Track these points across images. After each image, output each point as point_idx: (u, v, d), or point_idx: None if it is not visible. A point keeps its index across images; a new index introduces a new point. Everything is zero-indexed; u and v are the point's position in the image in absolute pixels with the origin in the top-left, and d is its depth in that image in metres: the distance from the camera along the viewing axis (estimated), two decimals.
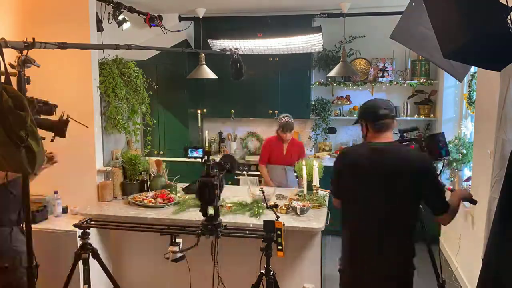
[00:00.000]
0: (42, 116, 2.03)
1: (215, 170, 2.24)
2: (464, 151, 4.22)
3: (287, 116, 4.45)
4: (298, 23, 5.14)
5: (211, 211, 2.23)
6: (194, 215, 3.12)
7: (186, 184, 4.01)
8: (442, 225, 2.44)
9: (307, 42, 4.80)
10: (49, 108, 2.01)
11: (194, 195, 3.52)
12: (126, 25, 4.62)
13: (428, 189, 2.10)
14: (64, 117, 2.07)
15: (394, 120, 2.23)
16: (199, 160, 2.31)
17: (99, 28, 3.87)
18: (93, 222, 2.76)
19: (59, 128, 2.06)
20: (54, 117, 2.08)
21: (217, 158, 5.34)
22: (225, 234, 2.71)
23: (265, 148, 4.53)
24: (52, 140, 2.04)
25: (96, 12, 3.75)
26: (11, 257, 2.31)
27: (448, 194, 2.17)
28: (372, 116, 2.21)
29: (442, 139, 2.31)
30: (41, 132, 1.72)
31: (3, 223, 2.34)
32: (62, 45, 1.97)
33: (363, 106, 2.33)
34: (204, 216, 2.22)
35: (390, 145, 2.19)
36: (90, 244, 2.66)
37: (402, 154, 2.16)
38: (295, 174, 4.21)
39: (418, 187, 2.09)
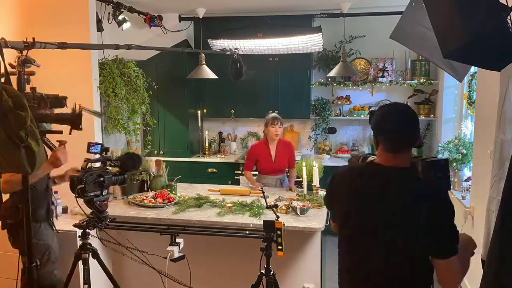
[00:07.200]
0: (56, 111, 2.13)
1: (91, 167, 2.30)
2: (464, 151, 4.22)
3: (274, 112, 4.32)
4: (298, 23, 5.14)
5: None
6: (194, 215, 3.12)
7: (187, 184, 4.02)
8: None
9: (307, 42, 4.80)
10: (60, 101, 2.08)
11: (194, 196, 3.54)
12: (126, 25, 4.62)
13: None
14: (76, 109, 2.10)
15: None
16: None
17: (99, 28, 3.87)
18: None
19: (74, 121, 2.09)
20: (66, 110, 2.17)
21: (217, 158, 5.39)
22: (225, 234, 2.72)
23: (251, 155, 4.11)
24: (70, 133, 2.11)
25: (96, 12, 3.75)
26: (41, 251, 2.53)
27: None
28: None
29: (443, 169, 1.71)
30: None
31: (35, 218, 2.47)
32: (62, 45, 1.97)
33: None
34: (90, 209, 2.32)
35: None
36: (90, 244, 2.66)
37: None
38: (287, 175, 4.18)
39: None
